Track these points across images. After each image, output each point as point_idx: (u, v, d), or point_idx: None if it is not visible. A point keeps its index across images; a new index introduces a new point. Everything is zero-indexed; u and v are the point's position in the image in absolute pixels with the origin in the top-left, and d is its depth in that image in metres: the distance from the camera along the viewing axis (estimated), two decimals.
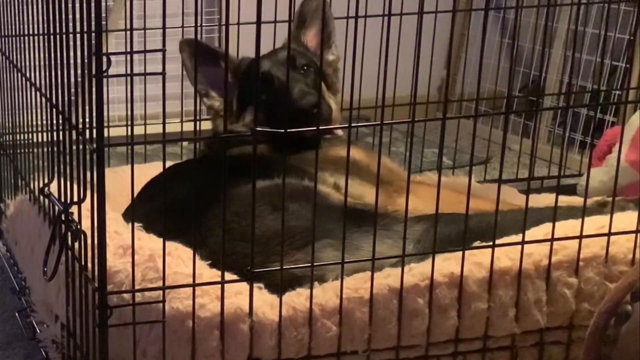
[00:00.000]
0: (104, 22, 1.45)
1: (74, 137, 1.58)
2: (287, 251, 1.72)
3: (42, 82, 1.84)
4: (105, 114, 1.45)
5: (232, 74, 2.34)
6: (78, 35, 1.52)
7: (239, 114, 2.32)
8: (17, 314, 2.23)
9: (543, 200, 2.14)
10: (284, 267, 1.63)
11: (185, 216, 1.70)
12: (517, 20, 2.17)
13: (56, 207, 1.71)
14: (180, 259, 1.66)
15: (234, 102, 2.33)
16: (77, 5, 1.49)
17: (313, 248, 1.64)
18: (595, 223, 1.78)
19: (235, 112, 2.33)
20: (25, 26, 2.13)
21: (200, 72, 2.25)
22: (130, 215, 1.90)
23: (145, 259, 1.64)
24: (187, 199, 1.70)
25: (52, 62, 1.68)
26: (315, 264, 1.64)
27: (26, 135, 2.28)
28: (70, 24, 1.57)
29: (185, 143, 2.87)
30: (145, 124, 2.46)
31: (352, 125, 1.65)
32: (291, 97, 2.14)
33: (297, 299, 1.65)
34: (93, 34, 1.41)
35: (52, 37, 1.66)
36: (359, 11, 1.56)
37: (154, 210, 1.84)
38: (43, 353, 2.04)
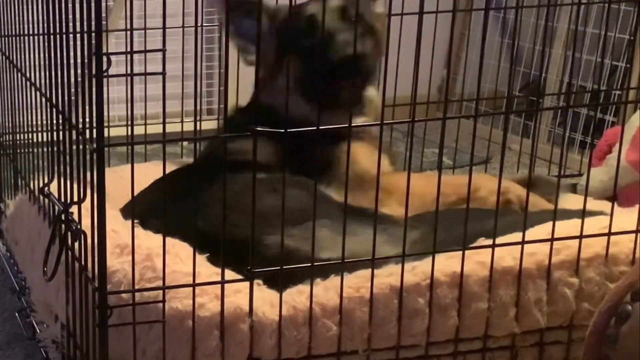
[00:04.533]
0: (104, 22, 1.45)
1: (74, 137, 1.58)
2: (285, 227, 1.70)
3: (42, 82, 1.84)
4: (105, 113, 1.45)
5: (269, 22, 2.22)
6: (78, 35, 1.53)
7: (276, 67, 2.21)
8: (17, 314, 2.23)
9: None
10: (284, 267, 1.62)
11: (184, 204, 1.69)
12: (517, 20, 2.17)
13: (56, 207, 1.71)
14: (178, 257, 1.65)
15: (269, 56, 2.22)
16: (77, 5, 1.49)
17: (313, 247, 1.63)
18: (598, 223, 1.78)
19: (271, 66, 2.21)
20: (25, 26, 2.13)
21: (236, 25, 2.18)
22: (127, 211, 1.90)
23: (142, 258, 1.63)
24: (188, 190, 1.69)
25: (52, 62, 1.68)
26: (315, 263, 1.63)
27: (26, 135, 2.28)
28: (70, 24, 1.57)
29: (185, 143, 2.87)
30: (145, 124, 2.46)
31: (352, 125, 1.65)
32: (335, 45, 2.07)
33: (297, 297, 1.65)
34: (93, 34, 1.42)
35: (52, 37, 1.67)
36: None
37: (153, 202, 1.83)
38: (43, 353, 2.04)
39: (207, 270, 1.65)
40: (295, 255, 1.69)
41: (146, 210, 1.82)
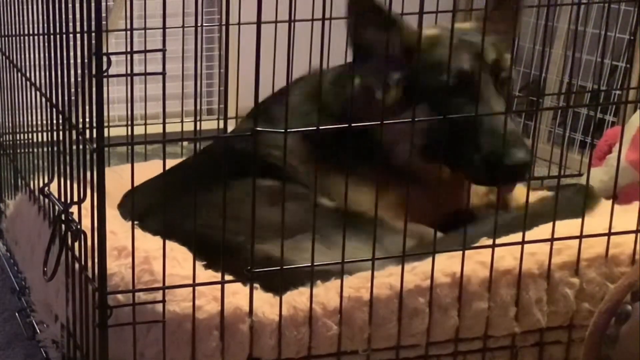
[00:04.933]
0: (104, 22, 1.45)
1: (74, 137, 1.58)
2: (274, 238, 1.69)
3: (42, 82, 1.84)
4: (105, 113, 1.45)
5: (403, 48, 1.87)
6: (78, 35, 1.53)
7: (397, 107, 1.86)
8: (17, 314, 2.23)
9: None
10: (284, 267, 1.62)
11: (184, 205, 1.67)
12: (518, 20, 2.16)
13: (56, 207, 1.71)
14: (176, 260, 1.65)
15: (396, 89, 1.91)
16: (77, 5, 1.49)
17: (313, 246, 1.62)
18: (601, 223, 1.77)
19: (396, 104, 1.88)
20: (25, 26, 2.13)
21: (363, 38, 1.87)
22: (125, 209, 1.89)
23: (140, 261, 1.63)
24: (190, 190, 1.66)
25: (52, 62, 1.68)
26: (315, 264, 1.63)
27: (26, 135, 2.28)
28: (70, 24, 1.57)
29: (185, 143, 2.87)
30: (145, 124, 2.46)
31: (352, 124, 1.64)
32: (499, 141, 1.79)
33: (298, 297, 1.64)
34: (93, 34, 1.41)
35: (52, 37, 1.67)
36: None
37: (154, 199, 1.81)
38: (43, 353, 2.04)
39: (204, 274, 1.64)
40: (279, 263, 1.68)
41: (145, 208, 1.81)
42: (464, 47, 1.88)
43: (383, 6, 1.85)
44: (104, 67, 1.39)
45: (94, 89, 1.43)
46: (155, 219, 1.75)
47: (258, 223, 1.59)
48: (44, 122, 1.85)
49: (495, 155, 1.84)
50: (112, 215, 1.83)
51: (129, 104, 1.54)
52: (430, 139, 1.87)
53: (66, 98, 1.63)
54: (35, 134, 2.15)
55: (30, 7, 2.03)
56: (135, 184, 1.54)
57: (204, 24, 3.45)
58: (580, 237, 1.72)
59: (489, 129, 1.86)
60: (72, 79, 1.59)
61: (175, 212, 1.70)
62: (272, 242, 1.71)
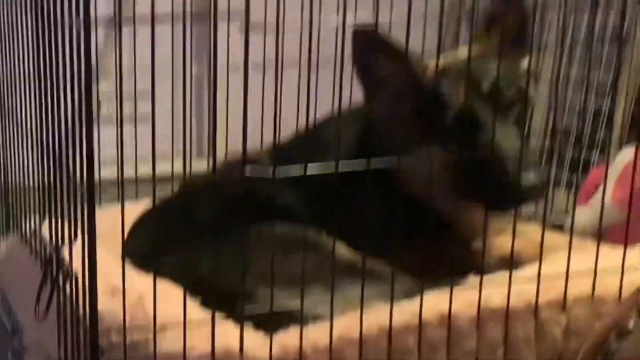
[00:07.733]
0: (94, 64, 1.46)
1: (65, 179, 1.59)
2: (284, 288, 1.70)
3: (33, 124, 1.85)
4: (95, 155, 1.45)
5: (411, 80, 1.83)
6: (68, 79, 1.54)
7: (411, 146, 1.82)
8: (9, 354, 2.22)
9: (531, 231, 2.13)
10: (273, 310, 1.62)
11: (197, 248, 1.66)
12: None
13: (47, 249, 1.71)
14: (169, 300, 1.66)
15: (400, 127, 1.86)
16: (67, 49, 1.50)
17: (304, 273, 1.64)
18: (587, 262, 1.79)
19: (403, 140, 1.84)
20: (15, 70, 2.14)
21: (365, 62, 1.81)
22: (129, 248, 1.89)
23: (133, 300, 1.63)
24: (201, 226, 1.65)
25: (42, 105, 1.69)
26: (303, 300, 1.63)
27: (17, 177, 2.28)
28: (60, 67, 1.58)
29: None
30: (135, 165, 2.47)
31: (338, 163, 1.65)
32: (505, 170, 1.78)
33: (288, 337, 1.65)
34: (83, 78, 1.43)
35: (42, 80, 1.67)
36: None
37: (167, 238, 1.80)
38: None
39: (199, 315, 1.65)
40: (288, 313, 1.69)
41: (161, 247, 1.79)
42: (461, 81, 1.80)
43: (389, 38, 1.79)
44: (94, 111, 1.40)
45: (84, 132, 1.44)
46: (171, 261, 1.75)
47: (268, 272, 1.61)
48: (35, 163, 1.86)
49: (507, 177, 1.80)
50: (106, 255, 1.83)
51: (119, 146, 1.55)
52: (454, 176, 1.87)
53: (57, 140, 1.63)
54: (26, 176, 2.15)
55: (19, 51, 2.04)
56: (126, 225, 1.54)
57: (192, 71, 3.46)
58: (567, 274, 1.73)
59: (501, 154, 1.81)
60: (63, 122, 1.59)
61: (190, 256, 1.69)
62: (281, 291, 1.73)
